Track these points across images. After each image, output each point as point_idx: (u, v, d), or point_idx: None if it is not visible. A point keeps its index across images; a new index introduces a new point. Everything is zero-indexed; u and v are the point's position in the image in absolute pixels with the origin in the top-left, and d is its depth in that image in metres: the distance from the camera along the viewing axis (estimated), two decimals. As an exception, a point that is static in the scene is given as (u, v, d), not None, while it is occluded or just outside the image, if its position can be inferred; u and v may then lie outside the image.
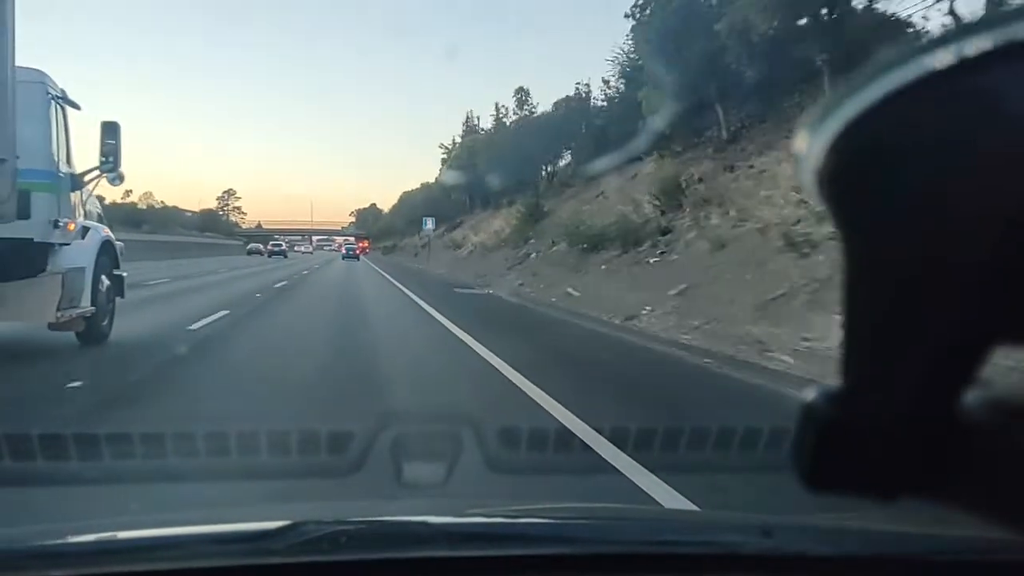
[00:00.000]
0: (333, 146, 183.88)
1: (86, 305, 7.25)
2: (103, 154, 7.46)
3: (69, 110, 7.27)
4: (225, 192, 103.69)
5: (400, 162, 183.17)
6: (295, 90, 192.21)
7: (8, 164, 5.75)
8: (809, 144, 0.41)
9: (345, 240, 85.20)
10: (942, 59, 0.36)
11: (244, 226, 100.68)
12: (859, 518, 1.42)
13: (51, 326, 6.88)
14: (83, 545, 1.38)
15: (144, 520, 1.91)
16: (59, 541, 1.43)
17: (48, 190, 6.58)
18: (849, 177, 0.40)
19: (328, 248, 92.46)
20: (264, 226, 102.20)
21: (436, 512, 1.67)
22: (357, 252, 67.20)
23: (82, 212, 7.55)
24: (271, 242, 72.42)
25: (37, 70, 6.69)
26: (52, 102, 6.86)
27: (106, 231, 8.16)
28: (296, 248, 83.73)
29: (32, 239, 6.33)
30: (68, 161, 7.18)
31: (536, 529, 1.51)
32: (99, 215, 8.68)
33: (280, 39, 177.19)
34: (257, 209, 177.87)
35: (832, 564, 1.32)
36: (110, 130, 7.47)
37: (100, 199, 9.10)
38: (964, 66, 0.35)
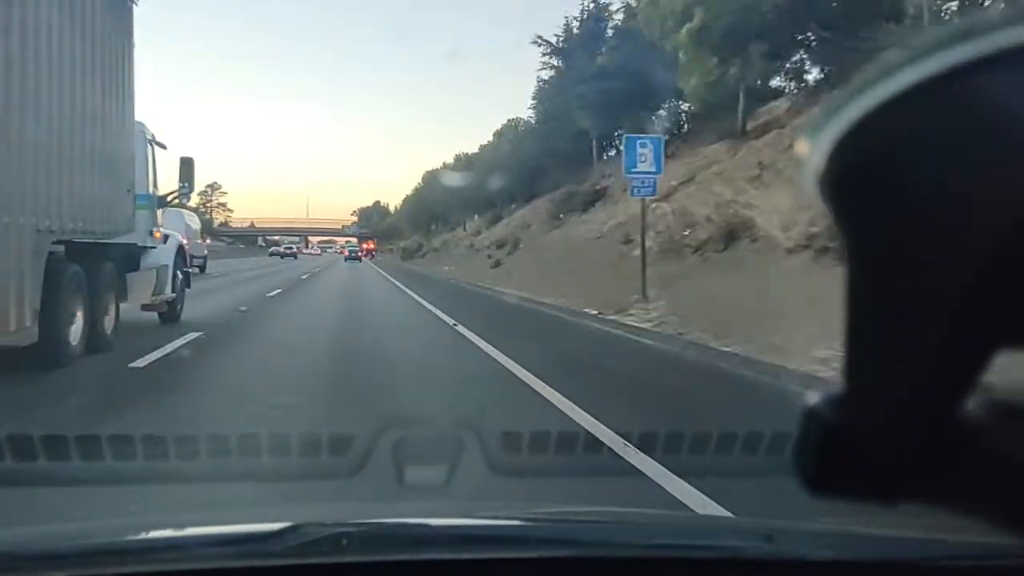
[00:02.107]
0: (332, 141, 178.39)
1: (169, 292, 10.03)
2: (181, 181, 10.26)
3: (156, 148, 9.93)
4: (208, 187, 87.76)
5: (405, 160, 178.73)
6: (290, 82, 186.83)
7: (131, 192, 8.49)
8: (811, 147, 0.41)
9: (347, 242, 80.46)
10: (944, 62, 0.36)
11: (232, 224, 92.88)
12: (861, 522, 1.42)
13: (144, 307, 9.53)
14: (83, 546, 1.38)
15: (144, 521, 1.91)
16: (59, 542, 1.43)
17: (146, 208, 9.19)
18: (851, 180, 0.40)
19: (331, 251, 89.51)
20: (257, 225, 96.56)
21: (437, 514, 1.67)
22: (360, 255, 65.26)
23: (161, 223, 10.22)
24: (284, 246, 76.20)
25: (139, 121, 9.01)
26: (148, 144, 9.48)
27: (181, 236, 11.09)
28: (304, 251, 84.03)
29: (136, 244, 8.96)
30: (155, 186, 9.84)
31: (537, 532, 1.51)
32: (198, 230, 12.94)
33: (268, 18, 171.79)
34: (246, 206, 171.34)
35: (833, 568, 1.32)
36: (187, 164, 10.25)
37: (202, 216, 15.36)
38: (966, 69, 0.35)
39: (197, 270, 21.21)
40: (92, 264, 7.32)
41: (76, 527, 1.74)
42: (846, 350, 0.42)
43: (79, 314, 6.94)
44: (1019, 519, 0.41)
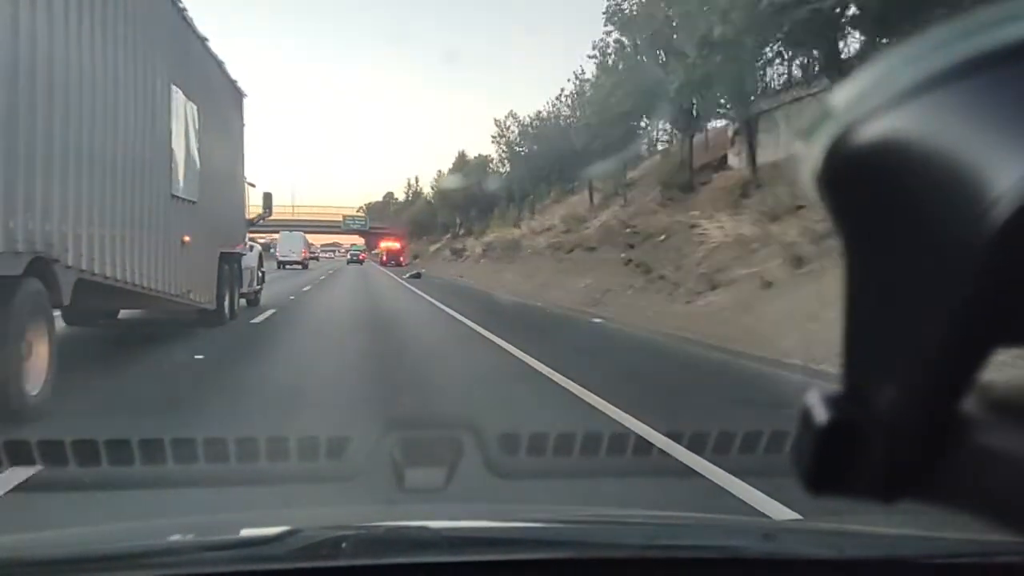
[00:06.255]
0: (329, 133, 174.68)
1: (255, 285, 15.09)
2: (264, 208, 15.43)
3: (248, 186, 14.81)
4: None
5: (409, 158, 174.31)
6: (286, 75, 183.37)
7: (244, 219, 13.82)
8: (809, 147, 0.41)
9: (352, 244, 72.80)
10: (945, 62, 0.36)
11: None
12: (860, 521, 1.42)
13: (240, 295, 13.42)
14: (80, 552, 1.38)
15: (142, 527, 1.90)
16: (55, 548, 1.42)
17: (245, 229, 13.94)
18: (849, 180, 0.40)
19: (337, 254, 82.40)
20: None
21: (436, 516, 1.67)
22: (362, 258, 59.09)
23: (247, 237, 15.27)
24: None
25: None
26: (246, 185, 14.15)
27: (259, 247, 15.99)
28: (322, 255, 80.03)
29: (239, 251, 13.08)
30: (248, 212, 14.49)
31: (537, 533, 1.51)
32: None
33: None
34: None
35: (833, 567, 1.32)
36: (268, 197, 15.55)
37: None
38: (966, 69, 0.35)
39: (305, 267, 39.94)
40: (230, 265, 11.97)
41: (73, 533, 1.74)
42: (845, 348, 0.42)
43: (228, 294, 11.72)
44: (1018, 516, 0.41)
